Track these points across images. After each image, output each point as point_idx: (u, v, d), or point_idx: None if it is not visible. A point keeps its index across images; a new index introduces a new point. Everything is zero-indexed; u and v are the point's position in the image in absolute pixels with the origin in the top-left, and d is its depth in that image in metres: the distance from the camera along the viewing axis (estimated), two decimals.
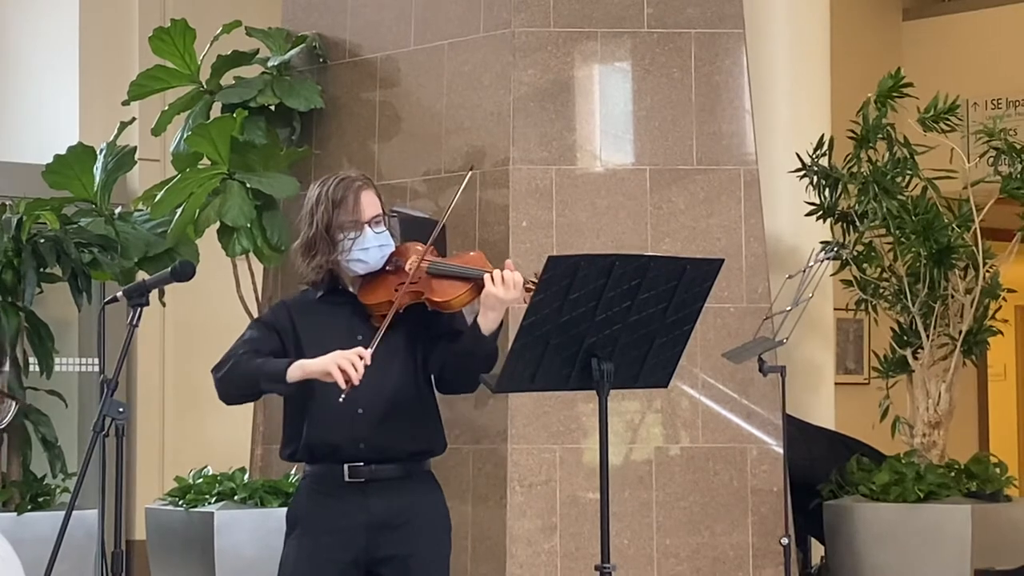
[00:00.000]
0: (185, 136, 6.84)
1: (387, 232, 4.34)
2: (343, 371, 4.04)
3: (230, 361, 4.28)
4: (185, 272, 4.21)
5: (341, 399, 4.08)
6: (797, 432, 7.05)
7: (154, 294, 4.28)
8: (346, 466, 4.26)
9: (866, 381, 10.19)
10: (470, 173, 4.37)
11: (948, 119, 7.28)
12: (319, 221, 4.30)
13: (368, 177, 4.42)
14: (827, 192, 7.36)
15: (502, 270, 4.16)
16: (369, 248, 4.29)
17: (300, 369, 4.15)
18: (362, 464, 4.26)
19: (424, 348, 4.33)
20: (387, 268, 4.32)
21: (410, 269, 4.25)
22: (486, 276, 4.17)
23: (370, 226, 4.30)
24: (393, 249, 4.34)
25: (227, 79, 7.12)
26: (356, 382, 4.05)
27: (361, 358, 4.06)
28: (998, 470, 7.06)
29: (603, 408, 4.08)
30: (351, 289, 4.35)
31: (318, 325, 4.31)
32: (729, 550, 6.64)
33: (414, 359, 4.33)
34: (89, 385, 9.19)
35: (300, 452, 4.33)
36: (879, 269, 7.31)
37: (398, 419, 4.28)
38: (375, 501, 4.26)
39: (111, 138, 6.92)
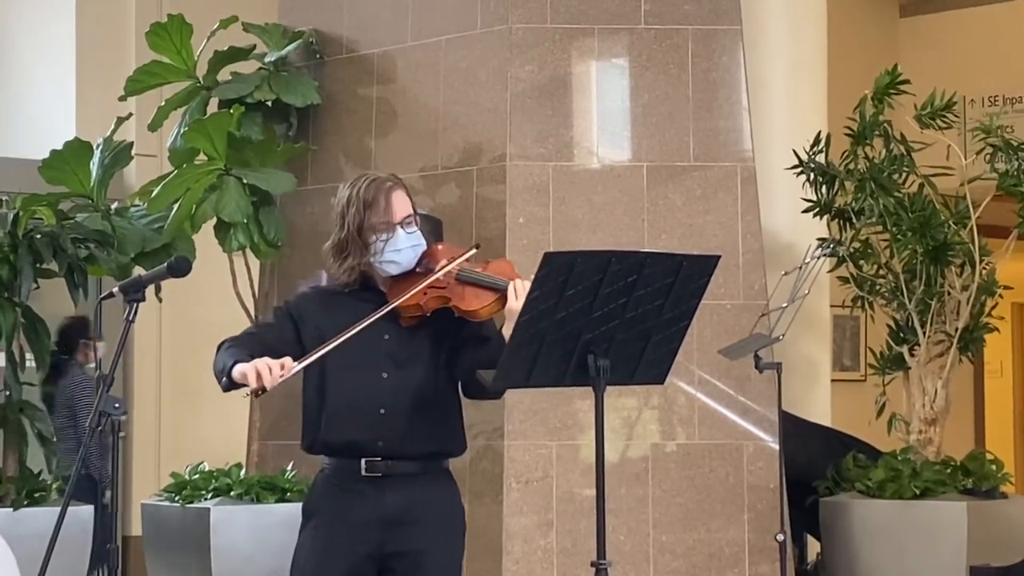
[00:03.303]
0: (182, 132, 6.83)
1: (418, 232, 4.33)
2: (259, 375, 4.03)
3: (226, 343, 4.30)
4: (181, 268, 4.20)
5: (244, 394, 4.10)
6: (793, 429, 7.05)
7: (150, 290, 4.28)
8: (363, 461, 4.27)
9: (862, 378, 10.18)
10: (473, 250, 4.39)
11: (945, 116, 7.28)
12: (351, 223, 4.28)
13: (398, 177, 4.39)
14: (824, 189, 7.37)
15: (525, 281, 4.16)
16: (402, 249, 4.29)
17: (236, 374, 4.14)
18: (379, 459, 4.26)
19: (449, 352, 4.33)
20: (417, 269, 4.32)
21: (439, 273, 4.25)
22: (509, 288, 4.17)
23: (402, 227, 4.29)
24: (425, 248, 4.33)
25: (224, 75, 7.12)
26: (268, 386, 4.04)
27: (283, 368, 4.05)
28: (994, 467, 7.07)
29: (600, 404, 4.08)
30: (382, 288, 4.35)
31: (344, 318, 4.27)
32: (725, 546, 6.64)
33: (437, 361, 4.32)
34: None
35: (318, 445, 4.34)
36: (876, 266, 7.31)
37: (418, 420, 4.28)
38: (391, 496, 4.27)
39: (108, 133, 6.91)
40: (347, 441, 4.27)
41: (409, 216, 4.31)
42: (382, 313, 4.20)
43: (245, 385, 4.14)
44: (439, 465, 4.37)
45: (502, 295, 4.19)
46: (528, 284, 4.07)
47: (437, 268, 4.27)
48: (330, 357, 4.21)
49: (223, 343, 4.31)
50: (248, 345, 4.25)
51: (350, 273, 4.30)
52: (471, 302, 4.22)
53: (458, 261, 4.29)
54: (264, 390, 4.05)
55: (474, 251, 4.39)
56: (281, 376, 4.04)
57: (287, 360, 4.07)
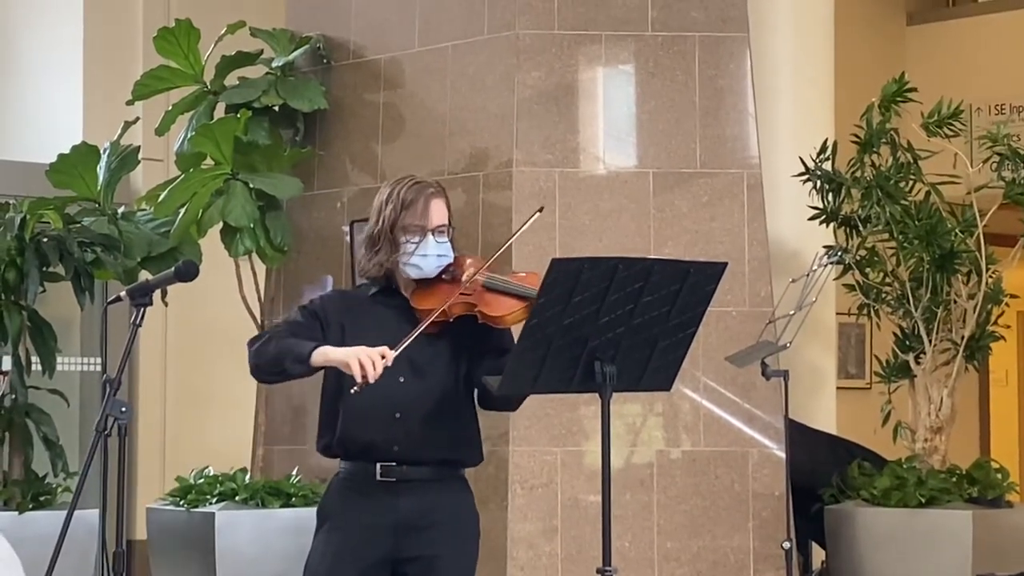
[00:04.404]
0: (189, 136, 6.84)
1: (448, 243, 4.34)
2: (362, 366, 4.05)
3: (265, 335, 4.30)
4: (188, 272, 4.20)
5: (353, 391, 4.09)
6: (799, 436, 7.05)
7: (156, 294, 4.28)
8: (378, 465, 4.27)
9: (868, 386, 10.18)
10: (537, 214, 4.41)
11: (952, 124, 7.28)
12: (386, 218, 4.31)
13: (442, 186, 4.41)
14: (830, 196, 7.36)
15: None
16: (428, 256, 4.30)
17: (323, 356, 4.16)
18: (394, 464, 4.27)
19: (469, 361, 4.33)
20: (443, 276, 4.33)
21: (466, 280, 4.26)
22: None
23: (433, 234, 4.30)
24: (451, 260, 4.34)
25: (231, 79, 7.13)
26: (372, 380, 4.06)
27: (383, 357, 4.07)
28: (999, 476, 7.06)
29: (606, 411, 4.08)
30: (404, 292, 4.36)
31: (366, 323, 4.32)
32: (730, 554, 6.64)
33: (456, 370, 4.33)
34: (91, 384, 9.19)
35: (335, 447, 4.35)
36: (882, 274, 7.31)
37: (434, 427, 4.28)
38: (405, 501, 4.27)
39: (115, 137, 6.92)
40: (363, 444, 4.28)
41: (443, 225, 4.33)
42: (431, 319, 4.20)
43: (320, 369, 4.15)
44: (454, 472, 4.38)
45: (530, 303, 4.18)
46: None
47: (464, 275, 4.28)
48: None
49: (262, 337, 4.30)
50: (296, 336, 4.27)
51: (378, 268, 4.32)
52: (497, 308, 4.23)
53: (485, 264, 4.29)
54: (368, 383, 4.06)
55: (538, 214, 4.42)
56: (385, 367, 4.07)
57: (385, 350, 4.09)
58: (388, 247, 4.30)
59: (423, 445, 4.28)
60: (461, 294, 4.24)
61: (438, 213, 4.33)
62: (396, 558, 4.29)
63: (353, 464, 4.34)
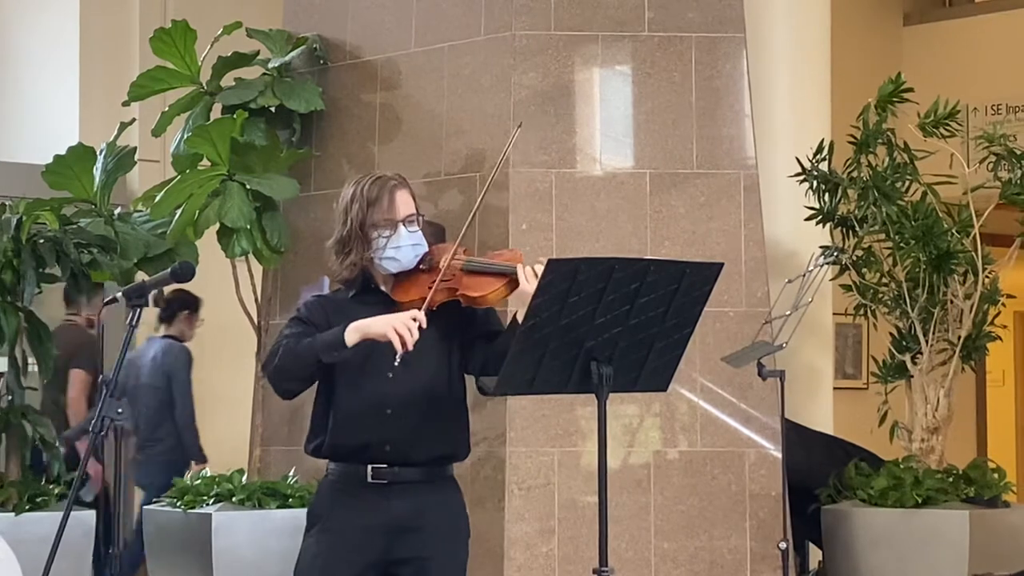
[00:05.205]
0: (185, 137, 6.84)
1: (420, 232, 4.35)
2: (399, 335, 4.05)
3: (279, 351, 4.27)
4: (185, 273, 4.20)
5: (396, 362, 4.07)
6: (795, 436, 7.05)
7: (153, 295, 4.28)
8: (369, 467, 4.27)
9: (865, 386, 10.19)
10: (517, 130, 4.43)
11: (948, 124, 7.28)
12: (353, 219, 4.31)
13: (403, 177, 4.42)
14: (827, 197, 7.36)
15: (534, 266, 4.16)
16: (402, 247, 4.31)
17: (358, 331, 4.14)
18: (385, 466, 4.27)
19: (460, 349, 4.34)
20: (420, 267, 4.33)
21: (443, 266, 4.26)
22: (519, 272, 4.17)
23: (404, 225, 4.31)
24: (426, 249, 4.35)
25: (227, 80, 7.12)
26: (411, 347, 4.06)
27: (415, 320, 4.07)
28: (996, 476, 7.06)
29: (602, 412, 4.08)
30: (383, 288, 4.36)
31: None
32: (727, 554, 6.64)
33: (447, 360, 4.33)
34: None
35: (325, 448, 4.34)
36: (878, 274, 7.31)
37: (426, 421, 4.28)
38: (396, 503, 4.28)
39: (111, 139, 6.92)
40: (355, 445, 4.28)
41: (412, 215, 4.33)
42: (438, 279, 4.19)
43: (361, 343, 4.12)
44: (444, 472, 4.38)
45: (511, 279, 4.19)
46: (540, 268, 4.07)
47: (442, 261, 4.28)
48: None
49: (276, 353, 4.26)
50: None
51: (351, 269, 4.32)
52: (478, 288, 4.23)
53: (457, 246, 4.28)
54: (408, 350, 4.06)
55: (519, 129, 4.39)
56: (420, 328, 4.07)
57: (416, 312, 4.10)
58: (360, 246, 4.30)
59: (416, 441, 4.27)
60: (442, 280, 4.24)
61: (405, 204, 4.33)
62: (388, 560, 4.29)
63: (343, 466, 4.33)
